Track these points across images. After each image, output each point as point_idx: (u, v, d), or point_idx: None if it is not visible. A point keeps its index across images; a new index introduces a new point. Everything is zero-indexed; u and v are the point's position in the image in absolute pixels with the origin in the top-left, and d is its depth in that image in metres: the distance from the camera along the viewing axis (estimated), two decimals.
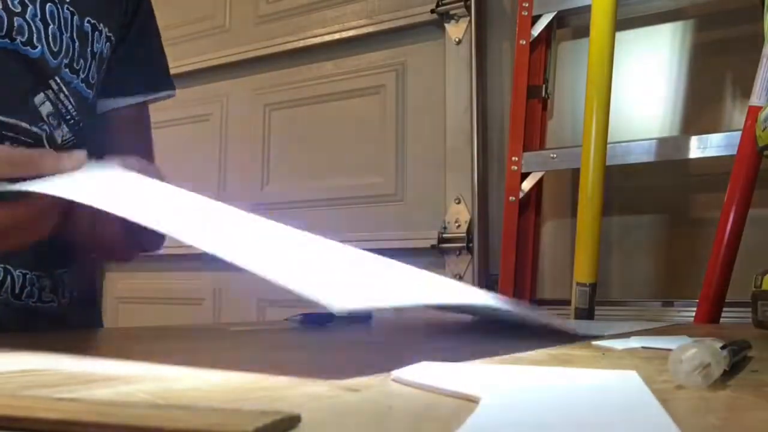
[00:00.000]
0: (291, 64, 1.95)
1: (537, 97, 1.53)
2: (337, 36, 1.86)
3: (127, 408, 0.23)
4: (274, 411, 0.21)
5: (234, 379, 0.31)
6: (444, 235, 1.64)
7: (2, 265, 0.65)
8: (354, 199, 1.80)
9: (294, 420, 0.21)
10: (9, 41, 0.65)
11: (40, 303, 0.69)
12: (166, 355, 0.46)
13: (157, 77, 0.85)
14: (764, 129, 0.75)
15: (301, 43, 1.91)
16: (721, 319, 1.15)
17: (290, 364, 0.36)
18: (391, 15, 1.78)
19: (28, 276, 0.67)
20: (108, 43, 0.77)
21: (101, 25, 0.75)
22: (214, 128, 2.07)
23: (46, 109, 0.69)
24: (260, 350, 0.50)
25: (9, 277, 0.66)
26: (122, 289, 2.13)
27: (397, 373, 0.31)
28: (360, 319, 0.82)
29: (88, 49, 0.74)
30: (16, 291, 0.66)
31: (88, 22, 0.74)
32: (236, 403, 0.25)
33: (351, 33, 1.84)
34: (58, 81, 0.70)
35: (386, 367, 0.34)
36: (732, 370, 0.33)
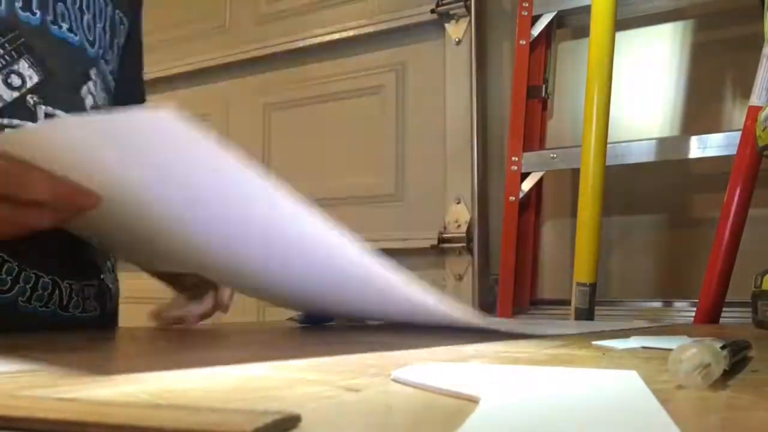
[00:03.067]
0: (291, 64, 1.95)
1: (537, 97, 1.53)
2: (337, 36, 1.86)
3: (127, 408, 0.23)
4: (274, 411, 0.21)
5: (234, 379, 0.31)
6: (444, 235, 1.64)
7: (50, 277, 0.65)
8: (354, 199, 1.80)
9: (294, 420, 0.21)
10: (57, 28, 0.64)
11: (84, 313, 0.68)
12: (167, 355, 0.46)
13: (139, 94, 0.84)
14: (764, 129, 0.75)
15: (301, 43, 1.91)
16: (721, 319, 1.15)
17: (290, 364, 0.36)
18: (391, 15, 1.77)
19: (74, 286, 0.67)
20: (124, 38, 0.76)
21: (126, 19, 0.75)
22: (214, 128, 2.07)
23: (89, 101, 0.68)
24: (260, 350, 0.50)
25: (57, 289, 0.65)
26: (122, 289, 2.13)
27: (397, 373, 0.31)
28: (358, 319, 0.82)
29: (115, 41, 0.73)
30: (64, 302, 0.66)
31: (118, 14, 0.73)
32: (236, 403, 0.25)
33: (351, 33, 1.84)
34: (96, 72, 0.69)
35: (386, 367, 0.34)
36: (732, 370, 0.33)
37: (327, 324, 0.75)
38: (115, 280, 0.77)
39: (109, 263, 0.75)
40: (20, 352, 0.43)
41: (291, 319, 0.75)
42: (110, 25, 0.72)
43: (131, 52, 0.79)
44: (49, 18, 0.63)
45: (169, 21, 2.10)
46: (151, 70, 2.12)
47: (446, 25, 1.69)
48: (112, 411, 0.22)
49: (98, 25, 0.70)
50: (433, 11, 1.69)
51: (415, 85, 1.77)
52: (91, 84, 0.68)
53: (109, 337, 0.64)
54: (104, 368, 0.35)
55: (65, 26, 0.65)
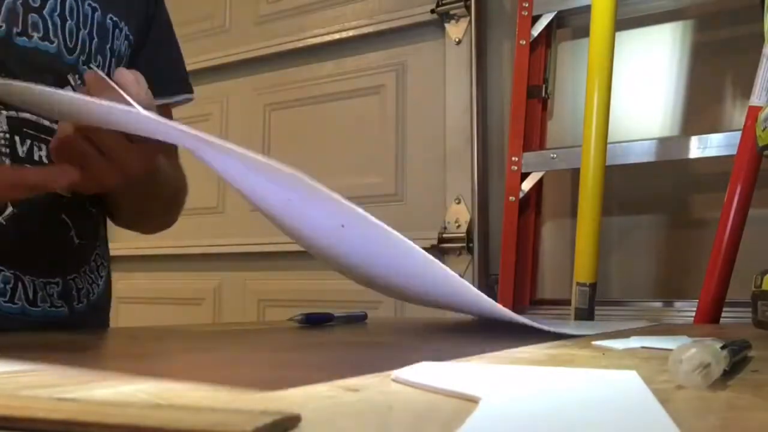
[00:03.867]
0: (291, 64, 1.95)
1: (537, 97, 1.53)
2: (337, 36, 1.86)
3: (127, 408, 0.23)
4: (274, 411, 0.21)
5: (234, 378, 0.31)
6: (444, 235, 1.64)
7: (12, 272, 0.64)
8: (354, 199, 1.78)
9: (294, 420, 0.21)
10: (27, 39, 0.65)
11: (53, 308, 0.68)
12: (167, 355, 0.46)
13: (175, 81, 0.85)
14: (764, 129, 0.75)
15: (301, 43, 1.91)
16: (721, 319, 1.15)
17: (290, 364, 0.36)
18: (391, 15, 1.77)
19: (36, 282, 0.66)
20: (126, 42, 0.77)
21: (122, 23, 0.76)
22: (214, 128, 2.07)
23: None
24: (260, 350, 0.50)
25: (20, 284, 0.65)
26: (122, 289, 2.13)
27: (397, 373, 0.31)
28: (356, 318, 0.83)
29: (108, 46, 0.74)
30: (30, 297, 0.66)
31: (110, 18, 0.74)
32: (236, 403, 0.25)
33: (351, 33, 1.84)
34: (76, 78, 0.70)
35: (386, 367, 0.34)
36: (732, 370, 0.33)
37: (327, 324, 0.75)
38: (97, 279, 0.76)
39: (93, 263, 0.75)
40: (19, 352, 0.43)
41: (291, 319, 0.75)
42: (98, 31, 0.72)
43: (154, 50, 0.81)
44: (16, 30, 0.64)
45: None
46: None
47: (446, 25, 1.69)
48: (112, 411, 0.22)
49: (82, 31, 0.70)
50: (433, 11, 1.69)
51: (415, 85, 1.77)
52: (69, 89, 0.69)
53: (107, 337, 0.64)
54: (104, 368, 0.35)
55: (37, 35, 0.66)
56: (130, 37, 0.78)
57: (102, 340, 0.60)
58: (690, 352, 0.29)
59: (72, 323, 0.70)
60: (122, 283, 2.14)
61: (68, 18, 0.69)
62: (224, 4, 2.08)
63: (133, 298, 2.09)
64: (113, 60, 0.75)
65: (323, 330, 0.69)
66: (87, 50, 0.71)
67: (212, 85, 2.07)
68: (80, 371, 0.34)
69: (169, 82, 0.83)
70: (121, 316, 2.30)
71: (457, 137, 1.66)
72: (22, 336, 0.55)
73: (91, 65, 0.72)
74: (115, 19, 0.74)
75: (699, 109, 1.44)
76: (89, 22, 0.71)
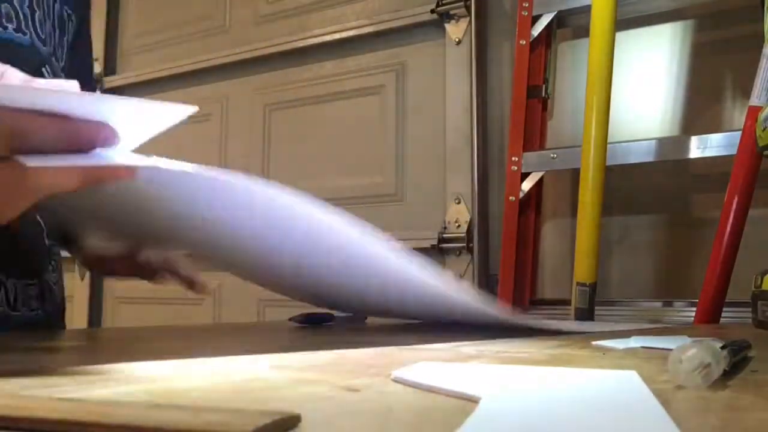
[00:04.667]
0: (291, 64, 1.95)
1: (537, 97, 1.53)
2: (337, 36, 1.86)
3: (127, 408, 0.23)
4: (274, 411, 0.21)
5: (234, 378, 0.31)
6: (444, 235, 1.64)
7: None
8: (354, 199, 1.80)
9: (294, 420, 0.21)
10: (2, 30, 0.63)
11: (31, 311, 0.67)
12: (166, 355, 0.46)
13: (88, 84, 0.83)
14: (764, 129, 0.75)
15: (301, 43, 1.91)
16: (721, 319, 1.15)
17: (290, 364, 0.36)
18: (391, 15, 1.77)
19: (18, 285, 0.66)
20: (72, 36, 0.75)
21: (73, 15, 0.74)
22: (214, 128, 2.07)
23: None
24: (261, 350, 0.50)
25: (3, 288, 0.64)
26: (122, 289, 2.13)
27: (397, 373, 0.31)
28: (356, 318, 0.83)
29: (65, 38, 0.72)
30: (11, 302, 0.65)
31: (66, 11, 0.72)
32: (236, 403, 0.25)
33: (351, 33, 1.84)
34: (49, 71, 0.68)
35: (386, 367, 0.34)
36: (732, 370, 0.33)
37: (327, 324, 0.75)
38: (59, 280, 0.75)
39: (52, 263, 0.74)
40: (19, 352, 0.43)
41: (291, 319, 0.75)
42: (59, 23, 0.71)
43: (81, 51, 0.78)
44: None
45: (170, 21, 2.10)
46: (151, 70, 2.11)
47: (446, 25, 1.69)
48: (112, 411, 0.22)
49: (48, 22, 0.69)
50: (433, 11, 1.69)
51: (415, 85, 1.77)
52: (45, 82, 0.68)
53: (107, 337, 0.64)
54: (103, 368, 0.35)
55: (11, 27, 0.64)
56: (73, 32, 0.75)
57: (101, 339, 0.60)
58: (690, 352, 0.29)
59: (46, 326, 0.69)
60: (122, 283, 2.14)
61: (36, 8, 0.67)
62: (224, 4, 2.08)
63: (133, 298, 2.09)
64: (66, 53, 0.73)
65: (323, 330, 0.69)
66: (53, 42, 0.69)
67: (212, 85, 2.07)
68: (80, 371, 0.34)
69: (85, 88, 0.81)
70: (121, 316, 2.30)
71: (457, 137, 1.66)
72: (21, 337, 0.55)
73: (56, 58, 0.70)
74: (69, 12, 0.73)
75: (699, 109, 1.44)
76: (52, 13, 0.70)
